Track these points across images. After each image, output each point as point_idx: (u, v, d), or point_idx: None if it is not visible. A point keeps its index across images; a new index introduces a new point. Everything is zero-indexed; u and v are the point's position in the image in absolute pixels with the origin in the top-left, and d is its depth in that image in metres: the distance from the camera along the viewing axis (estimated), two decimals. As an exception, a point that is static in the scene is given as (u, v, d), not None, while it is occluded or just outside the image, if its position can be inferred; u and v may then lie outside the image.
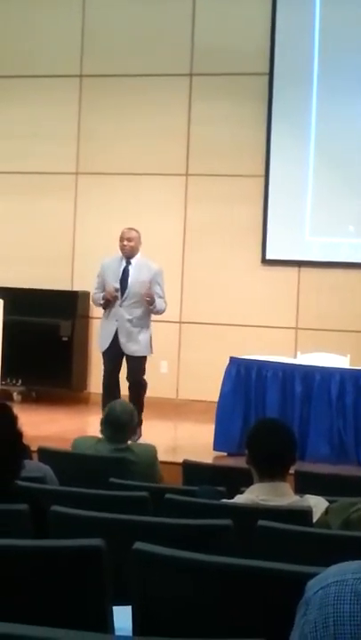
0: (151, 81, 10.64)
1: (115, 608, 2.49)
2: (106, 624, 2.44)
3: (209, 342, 10.19)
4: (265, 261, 10.29)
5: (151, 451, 5.49)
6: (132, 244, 8.10)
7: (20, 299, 10.27)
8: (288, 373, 7.84)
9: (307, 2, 10.15)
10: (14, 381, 10.22)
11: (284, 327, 10.14)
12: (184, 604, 2.37)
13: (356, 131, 9.99)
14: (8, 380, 9.89)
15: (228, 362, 8.08)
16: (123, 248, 8.11)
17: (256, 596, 2.32)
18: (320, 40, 10.10)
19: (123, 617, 2.46)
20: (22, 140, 10.94)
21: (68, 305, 10.56)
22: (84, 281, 10.27)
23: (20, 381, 10.31)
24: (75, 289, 10.70)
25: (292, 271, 10.21)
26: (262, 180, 10.27)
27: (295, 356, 8.97)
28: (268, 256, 10.26)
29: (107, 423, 5.47)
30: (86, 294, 10.29)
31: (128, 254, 8.10)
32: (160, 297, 8.04)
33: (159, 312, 8.09)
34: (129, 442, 5.53)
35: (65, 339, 10.47)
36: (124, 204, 10.44)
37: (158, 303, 8.00)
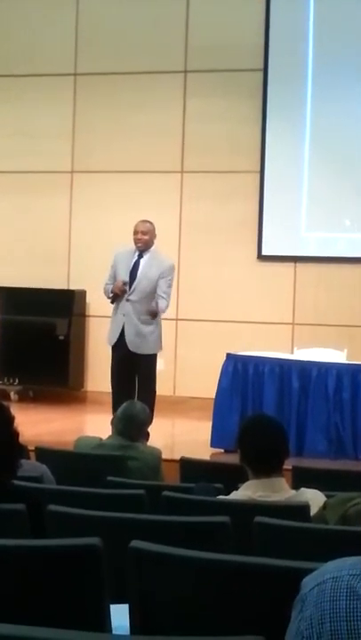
0: (146, 78, 10.63)
1: (112, 606, 2.49)
2: (104, 623, 2.44)
3: (206, 339, 10.19)
4: (261, 257, 10.28)
5: (156, 454, 5.45)
6: (146, 237, 7.93)
7: (16, 298, 10.27)
8: (285, 369, 7.85)
9: (300, -3, 10.15)
10: (11, 380, 10.22)
11: (281, 323, 10.14)
12: (182, 602, 2.37)
13: (351, 125, 9.98)
14: (5, 380, 9.90)
15: (224, 358, 8.07)
16: (137, 242, 7.93)
17: (254, 592, 2.32)
18: (314, 36, 10.09)
19: (120, 615, 2.46)
20: (16, 138, 10.92)
21: (64, 304, 10.55)
22: (80, 280, 10.27)
23: (17, 380, 10.31)
24: (71, 287, 10.68)
25: (289, 267, 10.21)
26: (258, 176, 10.27)
27: (292, 352, 8.97)
28: (265, 252, 10.26)
29: (122, 417, 5.47)
30: (83, 293, 10.29)
31: (142, 248, 7.94)
32: (163, 292, 7.87)
33: (162, 312, 7.98)
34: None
35: (61, 337, 10.46)
36: (120, 202, 10.43)
37: (160, 306, 7.85)
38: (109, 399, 7.98)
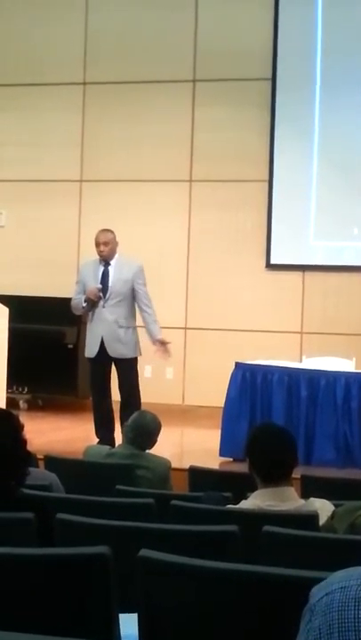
0: (154, 88, 10.66)
1: (121, 616, 2.49)
2: (112, 632, 2.44)
3: (214, 348, 10.19)
4: (269, 266, 10.29)
5: (165, 465, 5.45)
6: (108, 247, 7.86)
7: (25, 306, 10.27)
8: (293, 378, 7.84)
9: (309, 6, 10.16)
10: (20, 389, 10.22)
11: (290, 332, 10.14)
12: (190, 611, 2.37)
13: (360, 134, 9.99)
14: (14, 388, 9.90)
15: (233, 367, 8.07)
16: (100, 254, 7.88)
17: (263, 602, 2.32)
18: (322, 45, 10.11)
19: (129, 624, 2.45)
20: (26, 147, 10.96)
21: (73, 312, 10.53)
22: (88, 288, 10.25)
23: (25, 389, 10.31)
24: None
25: (297, 275, 10.21)
26: (266, 185, 10.28)
27: (300, 361, 8.97)
28: (273, 261, 10.26)
29: (133, 426, 5.47)
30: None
31: (106, 258, 7.88)
32: (145, 303, 7.79)
33: (156, 322, 7.84)
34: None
35: (70, 346, 10.47)
36: (129, 210, 10.45)
37: (153, 327, 7.76)
38: (118, 408, 7.97)
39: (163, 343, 7.80)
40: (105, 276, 7.88)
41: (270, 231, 10.25)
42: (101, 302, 7.78)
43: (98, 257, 7.97)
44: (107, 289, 7.81)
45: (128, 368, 7.85)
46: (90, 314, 7.93)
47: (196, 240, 10.51)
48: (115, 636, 2.44)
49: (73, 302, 8.02)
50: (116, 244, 7.96)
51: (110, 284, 7.82)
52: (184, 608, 2.37)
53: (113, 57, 10.78)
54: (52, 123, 10.91)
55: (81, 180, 10.93)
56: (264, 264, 10.30)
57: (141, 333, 7.91)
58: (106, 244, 7.89)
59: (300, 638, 1.49)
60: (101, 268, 7.91)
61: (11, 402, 9.04)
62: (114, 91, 10.80)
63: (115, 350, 7.78)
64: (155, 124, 10.60)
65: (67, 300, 10.65)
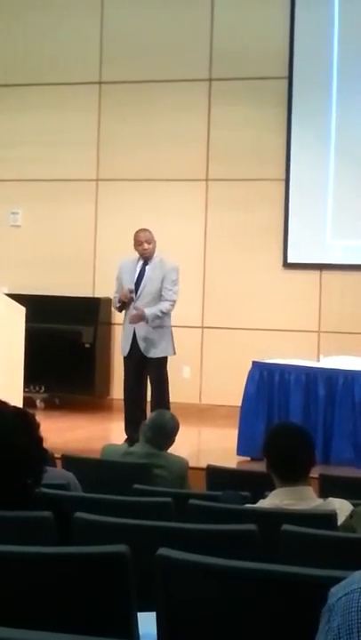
0: (170, 86, 10.65)
1: (139, 614, 2.48)
2: (131, 631, 2.44)
3: (231, 347, 10.18)
4: (286, 265, 10.27)
5: (183, 464, 5.44)
6: (151, 246, 7.97)
7: (42, 306, 10.28)
8: (311, 377, 7.82)
9: (325, 4, 10.13)
10: (37, 388, 10.24)
11: (307, 330, 10.11)
12: (209, 610, 2.36)
13: (377, 133, 9.96)
14: (31, 387, 9.91)
15: (250, 366, 8.06)
16: (143, 252, 7.96)
17: (281, 601, 2.31)
18: (339, 42, 10.08)
19: (148, 623, 2.45)
20: (42, 147, 10.97)
21: (90, 311, 10.58)
22: (105, 287, 10.27)
23: (43, 388, 10.33)
24: (96, 295, 10.71)
25: (314, 274, 10.19)
26: (283, 183, 10.26)
27: (318, 360, 8.94)
28: (290, 260, 10.24)
29: (151, 425, 5.48)
30: (108, 301, 10.28)
31: (148, 257, 7.99)
32: (168, 290, 7.86)
33: (160, 316, 7.85)
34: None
35: (87, 345, 10.48)
36: (145, 209, 10.44)
37: (154, 312, 7.78)
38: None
39: (138, 313, 7.76)
40: (141, 274, 7.95)
41: (287, 230, 10.22)
42: (133, 302, 7.84)
43: (137, 255, 8.04)
44: (139, 288, 7.87)
45: (158, 367, 7.94)
46: (124, 312, 8.03)
47: (213, 239, 10.50)
48: (134, 634, 2.44)
49: (113, 300, 8.26)
50: (155, 243, 8.00)
51: (143, 283, 7.88)
52: (203, 607, 2.37)
53: (129, 56, 10.78)
54: (68, 122, 10.93)
55: (97, 180, 10.93)
56: (281, 263, 10.28)
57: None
58: (148, 242, 7.98)
59: (319, 638, 1.48)
60: (139, 267, 7.99)
61: (28, 401, 9.05)
62: (130, 90, 10.80)
63: (146, 349, 7.86)
64: (171, 123, 10.60)
65: (83, 299, 10.72)
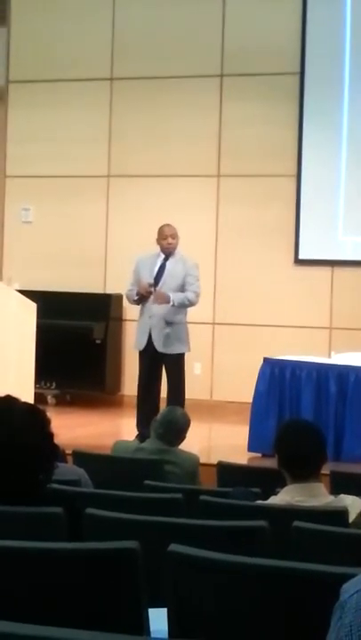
0: (182, 83, 10.64)
1: (150, 610, 2.48)
2: (142, 627, 2.44)
3: (242, 343, 10.18)
4: (298, 261, 10.25)
5: (194, 460, 5.45)
6: (175, 241, 7.97)
7: (53, 302, 10.29)
8: (322, 373, 7.80)
9: (338, 0, 10.10)
10: (48, 384, 10.26)
11: (318, 327, 10.10)
12: (219, 606, 2.36)
13: (389, 129, 9.93)
14: (42, 383, 9.92)
15: (261, 362, 8.05)
16: (168, 246, 7.95)
17: (292, 598, 2.30)
18: (351, 38, 10.06)
19: (159, 619, 2.45)
20: (54, 143, 10.98)
21: (101, 307, 10.58)
22: (116, 283, 10.28)
23: (53, 384, 10.34)
24: (107, 291, 10.72)
25: (326, 271, 10.17)
26: (294, 179, 10.24)
27: (329, 356, 8.92)
28: (301, 256, 10.23)
29: (163, 421, 5.48)
30: (119, 297, 10.29)
31: (171, 252, 7.98)
32: (192, 284, 7.87)
33: (186, 304, 7.89)
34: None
35: (98, 341, 10.49)
36: (156, 206, 10.44)
37: (181, 297, 7.80)
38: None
39: (164, 293, 7.78)
40: (161, 269, 7.94)
41: (299, 226, 10.21)
42: (152, 297, 7.81)
43: (155, 250, 8.03)
44: (158, 283, 7.85)
45: (174, 363, 7.92)
46: (140, 307, 8.00)
47: (224, 235, 10.50)
48: (144, 630, 2.44)
49: (127, 293, 8.17)
50: (179, 239, 8.02)
51: (163, 278, 7.88)
52: (213, 603, 2.36)
53: (140, 52, 10.77)
54: (80, 118, 10.93)
55: (108, 176, 10.94)
56: (292, 259, 10.27)
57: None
58: (173, 236, 7.99)
59: (330, 635, 1.48)
60: (160, 262, 7.98)
61: (39, 397, 9.06)
62: (141, 86, 10.79)
63: (162, 345, 7.84)
64: (182, 120, 10.59)
65: (94, 296, 10.73)
